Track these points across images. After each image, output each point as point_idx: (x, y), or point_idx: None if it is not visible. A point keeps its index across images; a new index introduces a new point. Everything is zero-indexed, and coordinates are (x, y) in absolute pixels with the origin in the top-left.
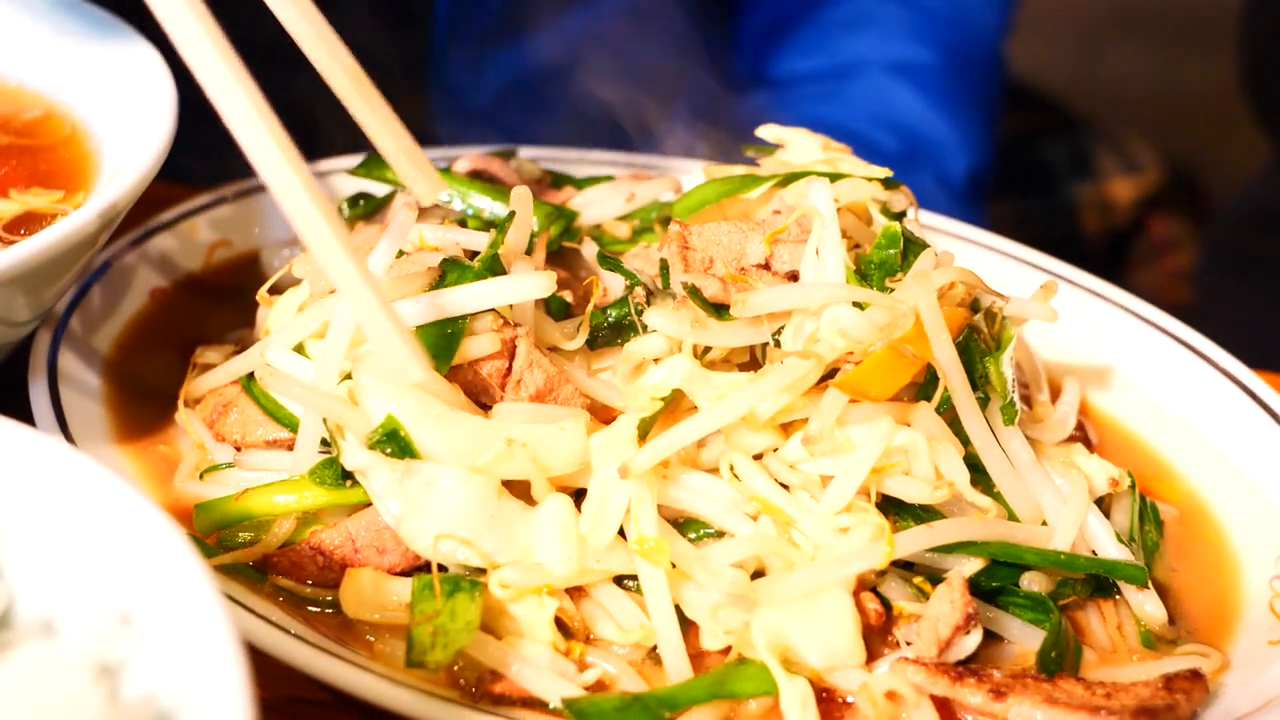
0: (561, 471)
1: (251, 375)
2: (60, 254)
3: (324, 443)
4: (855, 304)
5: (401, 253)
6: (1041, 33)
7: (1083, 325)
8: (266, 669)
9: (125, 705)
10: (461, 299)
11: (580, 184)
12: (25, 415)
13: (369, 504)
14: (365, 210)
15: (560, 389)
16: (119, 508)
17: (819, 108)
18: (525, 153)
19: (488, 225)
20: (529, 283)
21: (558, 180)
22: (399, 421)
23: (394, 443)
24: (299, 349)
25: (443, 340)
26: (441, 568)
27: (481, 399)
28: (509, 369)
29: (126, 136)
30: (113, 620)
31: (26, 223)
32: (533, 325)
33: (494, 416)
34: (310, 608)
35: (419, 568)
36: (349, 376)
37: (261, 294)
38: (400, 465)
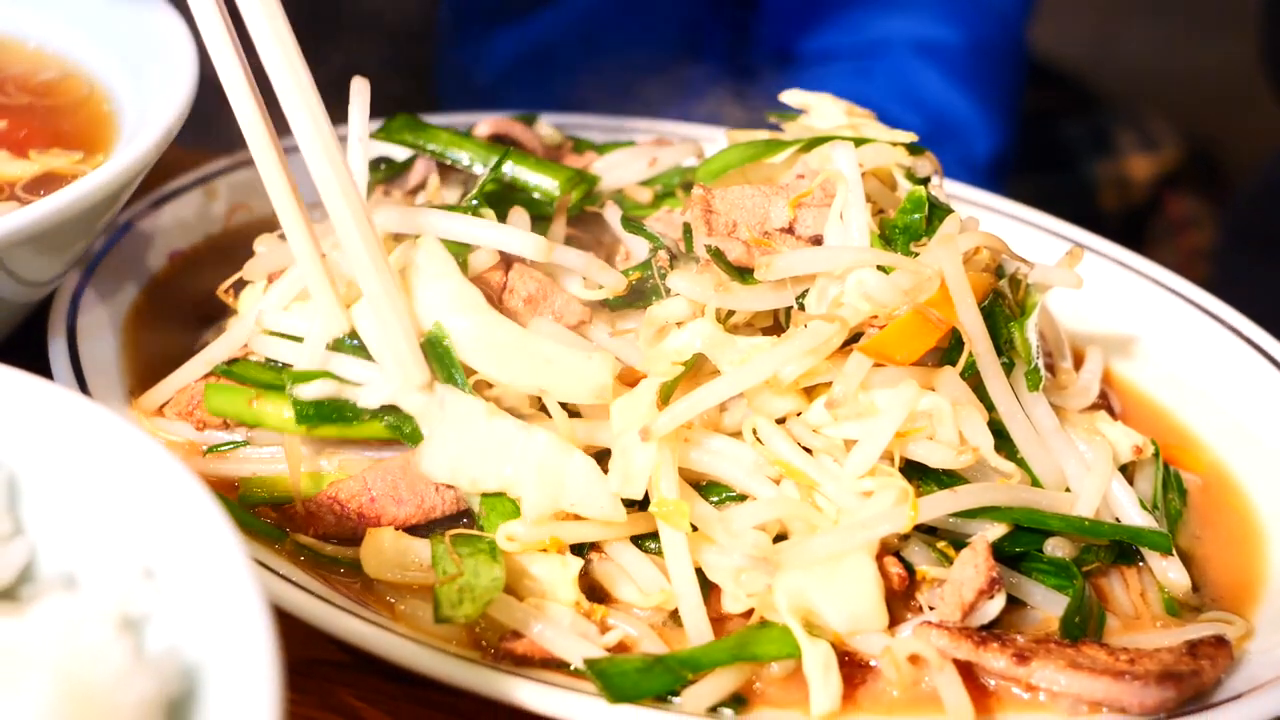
0: (581, 400)
1: (231, 361)
2: (79, 214)
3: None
4: (880, 268)
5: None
6: (1061, 10)
7: (1106, 294)
8: (286, 630)
9: (150, 658)
10: (457, 228)
11: (601, 149)
12: (45, 374)
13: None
14: (387, 174)
15: (554, 296)
16: (142, 463)
17: (844, 85)
18: (546, 119)
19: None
20: (523, 240)
21: (579, 145)
22: (445, 329)
23: (436, 347)
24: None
25: (451, 250)
26: (463, 519)
27: None
28: (505, 283)
29: (146, 98)
30: (135, 574)
31: (46, 183)
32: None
33: (530, 329)
34: (336, 569)
35: (435, 521)
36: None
37: (222, 290)
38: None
